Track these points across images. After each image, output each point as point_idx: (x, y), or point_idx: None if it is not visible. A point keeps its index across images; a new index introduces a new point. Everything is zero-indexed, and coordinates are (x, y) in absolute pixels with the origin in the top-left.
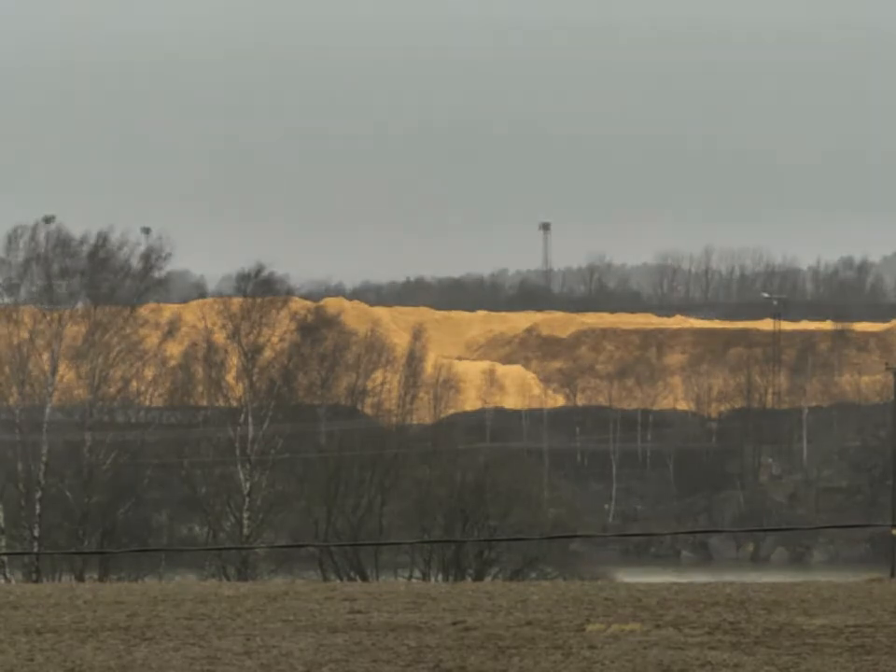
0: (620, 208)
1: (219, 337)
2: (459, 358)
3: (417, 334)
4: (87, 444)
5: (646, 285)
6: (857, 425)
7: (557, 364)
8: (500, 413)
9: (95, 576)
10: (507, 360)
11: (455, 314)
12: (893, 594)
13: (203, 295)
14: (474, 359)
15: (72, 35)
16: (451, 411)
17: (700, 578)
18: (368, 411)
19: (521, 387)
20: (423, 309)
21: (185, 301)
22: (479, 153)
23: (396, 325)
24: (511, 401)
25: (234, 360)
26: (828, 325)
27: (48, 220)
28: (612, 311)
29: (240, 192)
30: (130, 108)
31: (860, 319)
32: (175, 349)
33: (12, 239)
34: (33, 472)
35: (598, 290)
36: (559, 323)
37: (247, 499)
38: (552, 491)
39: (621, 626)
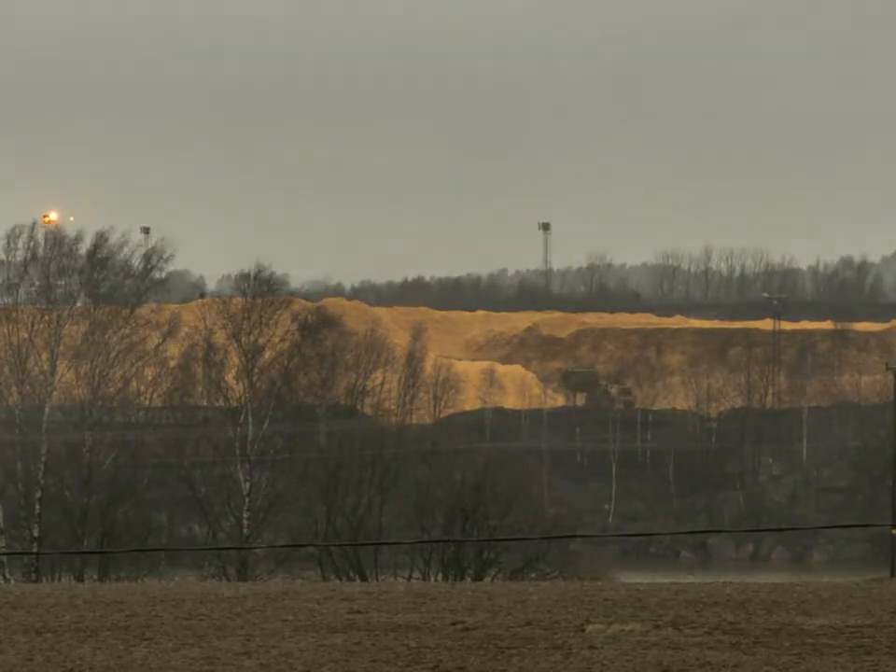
0: (620, 208)
1: (219, 337)
2: (459, 359)
3: (417, 334)
4: (86, 444)
5: (646, 285)
6: (857, 425)
7: (557, 364)
8: (500, 413)
9: (95, 576)
10: (506, 360)
11: (454, 314)
12: (893, 594)
13: (203, 295)
14: (474, 359)
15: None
16: (451, 411)
17: (700, 578)
18: (368, 411)
19: (521, 387)
20: (422, 309)
21: (185, 301)
22: (478, 152)
23: (396, 325)
24: (510, 401)
25: (234, 360)
26: (828, 325)
27: (46, 220)
28: (612, 311)
29: (241, 192)
30: (127, 106)
31: (860, 319)
32: (175, 349)
33: (11, 239)
34: (32, 472)
35: (598, 290)
36: (559, 323)
37: (247, 499)
38: (552, 491)
39: (620, 626)
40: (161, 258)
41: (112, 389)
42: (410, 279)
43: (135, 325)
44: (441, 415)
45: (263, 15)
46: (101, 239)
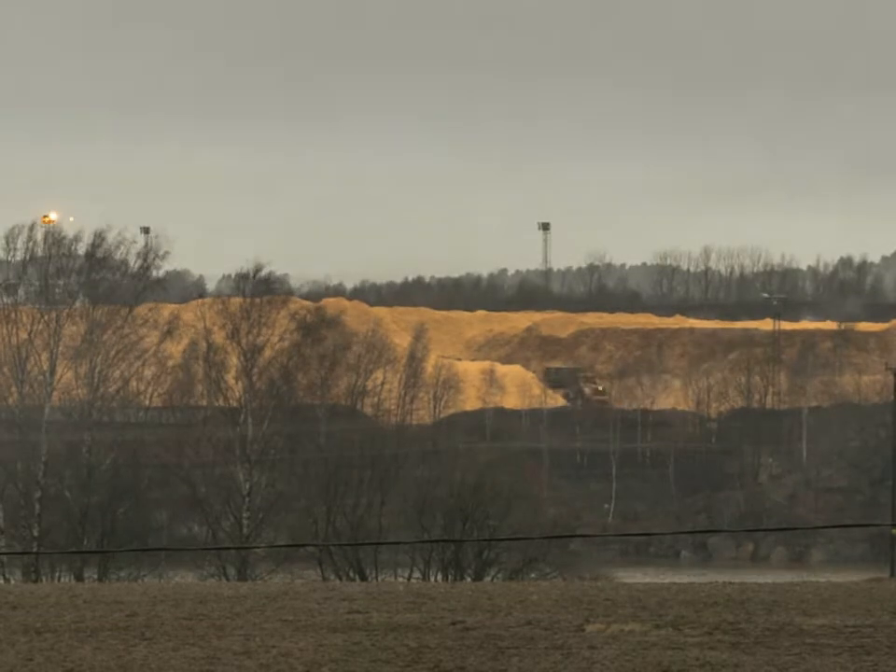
0: (620, 208)
1: (219, 337)
2: (459, 359)
3: (418, 334)
4: (86, 444)
5: (646, 285)
6: (857, 425)
7: (557, 364)
8: (500, 412)
9: (95, 576)
10: (507, 360)
11: (454, 314)
12: (893, 594)
13: (202, 295)
14: (474, 359)
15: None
16: (451, 411)
17: (700, 578)
18: (368, 411)
19: (521, 387)
20: (423, 309)
21: (184, 300)
22: (478, 151)
23: (396, 325)
24: (511, 401)
25: (234, 360)
26: (828, 325)
27: (45, 220)
28: (612, 311)
29: (241, 190)
30: (128, 104)
31: (860, 319)
32: (174, 349)
33: (10, 239)
34: (32, 472)
35: (598, 290)
36: (559, 323)
37: (247, 499)
38: (552, 491)
39: (620, 626)
40: (158, 255)
41: (112, 389)
42: (410, 279)
43: (134, 325)
44: (442, 415)
45: None
46: (99, 238)
